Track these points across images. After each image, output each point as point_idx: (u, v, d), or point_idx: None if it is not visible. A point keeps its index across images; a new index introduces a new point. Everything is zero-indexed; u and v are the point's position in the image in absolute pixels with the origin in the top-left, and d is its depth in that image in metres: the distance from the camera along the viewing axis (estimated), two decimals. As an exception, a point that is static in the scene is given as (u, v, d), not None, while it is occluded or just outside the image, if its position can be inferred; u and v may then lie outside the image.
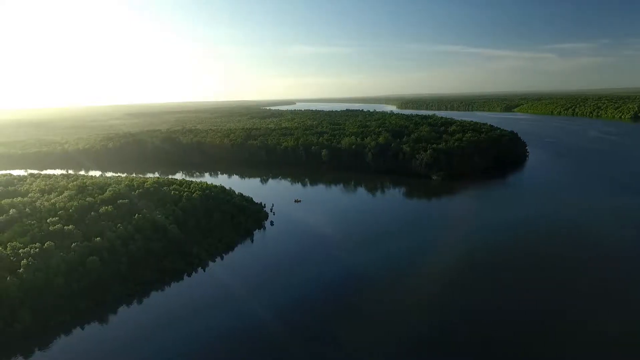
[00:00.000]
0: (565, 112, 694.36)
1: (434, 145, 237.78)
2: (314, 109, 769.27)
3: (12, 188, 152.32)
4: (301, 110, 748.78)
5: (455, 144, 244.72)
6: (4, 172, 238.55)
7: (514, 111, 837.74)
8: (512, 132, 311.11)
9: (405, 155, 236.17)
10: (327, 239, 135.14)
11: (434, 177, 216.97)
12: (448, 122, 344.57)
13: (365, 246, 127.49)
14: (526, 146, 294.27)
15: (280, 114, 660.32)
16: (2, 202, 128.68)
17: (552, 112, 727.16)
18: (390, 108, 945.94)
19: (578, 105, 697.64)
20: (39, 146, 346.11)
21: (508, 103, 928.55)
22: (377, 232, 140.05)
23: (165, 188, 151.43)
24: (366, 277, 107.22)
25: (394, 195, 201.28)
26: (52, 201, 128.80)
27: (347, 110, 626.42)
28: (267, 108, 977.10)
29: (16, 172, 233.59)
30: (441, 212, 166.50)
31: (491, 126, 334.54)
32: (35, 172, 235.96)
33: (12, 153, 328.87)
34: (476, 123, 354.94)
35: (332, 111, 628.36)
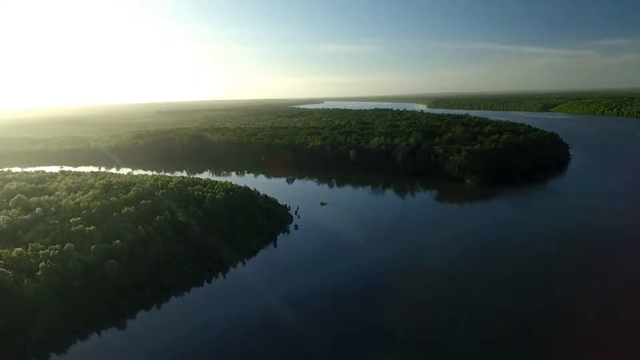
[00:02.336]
0: (609, 112, 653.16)
1: (469, 147, 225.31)
2: (342, 107, 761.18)
3: (42, 185, 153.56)
4: (329, 109, 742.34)
5: (492, 145, 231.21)
6: (37, 168, 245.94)
7: (551, 111, 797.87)
8: (552, 133, 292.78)
9: (438, 156, 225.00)
10: (354, 246, 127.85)
11: (468, 181, 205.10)
12: (483, 122, 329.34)
13: (395, 256, 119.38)
14: (568, 149, 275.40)
15: (308, 112, 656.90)
16: (30, 200, 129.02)
17: (594, 112, 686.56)
18: (420, 107, 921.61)
19: (624, 105, 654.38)
20: (73, 143, 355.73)
21: (545, 102, 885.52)
22: (407, 240, 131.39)
23: (189, 188, 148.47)
24: (397, 291, 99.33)
25: (425, 199, 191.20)
26: (77, 200, 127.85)
27: (376, 109, 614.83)
28: (295, 107, 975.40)
29: (50, 169, 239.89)
30: (477, 220, 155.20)
31: (529, 127, 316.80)
32: (68, 169, 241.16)
33: (49, 149, 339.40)
34: (513, 123, 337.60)
35: (360, 110, 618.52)
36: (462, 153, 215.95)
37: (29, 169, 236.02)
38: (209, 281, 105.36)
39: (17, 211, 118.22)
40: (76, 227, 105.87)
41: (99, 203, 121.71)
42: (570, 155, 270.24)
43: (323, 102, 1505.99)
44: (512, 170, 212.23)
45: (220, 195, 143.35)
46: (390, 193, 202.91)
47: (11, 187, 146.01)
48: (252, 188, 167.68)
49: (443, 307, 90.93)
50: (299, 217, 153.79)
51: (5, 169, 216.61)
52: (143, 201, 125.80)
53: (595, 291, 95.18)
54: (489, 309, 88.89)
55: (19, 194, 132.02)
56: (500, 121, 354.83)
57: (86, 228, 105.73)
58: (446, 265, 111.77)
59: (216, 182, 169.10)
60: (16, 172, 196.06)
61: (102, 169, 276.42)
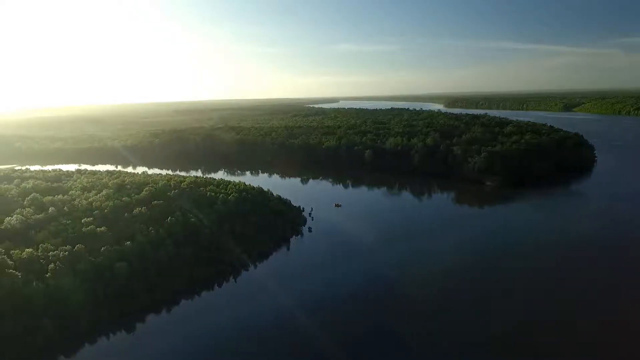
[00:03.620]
0: (636, 112, 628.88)
1: (489, 148, 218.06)
2: (357, 107, 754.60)
3: (57, 184, 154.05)
4: (344, 108, 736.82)
5: (513, 146, 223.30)
6: (56, 166, 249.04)
7: (574, 110, 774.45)
8: (576, 133, 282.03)
9: (456, 157, 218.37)
10: (369, 250, 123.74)
11: (488, 183, 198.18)
12: (503, 122, 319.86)
13: (412, 261, 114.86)
14: (594, 150, 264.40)
15: (323, 112, 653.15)
16: (44, 199, 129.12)
17: (619, 111, 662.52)
18: (437, 106, 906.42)
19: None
20: (91, 142, 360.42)
21: (567, 102, 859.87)
22: (424, 245, 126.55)
23: (201, 188, 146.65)
24: (413, 297, 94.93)
25: (443, 202, 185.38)
26: (89, 200, 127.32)
27: (392, 109, 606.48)
28: (310, 106, 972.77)
29: (68, 167, 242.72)
30: (497, 225, 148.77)
31: (552, 127, 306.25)
32: (84, 167, 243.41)
33: (67, 148, 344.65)
34: (534, 123, 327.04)
35: (376, 110, 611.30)
36: (482, 154, 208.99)
37: (48, 167, 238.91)
38: (219, 285, 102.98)
39: (31, 210, 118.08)
40: (87, 228, 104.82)
41: (111, 203, 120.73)
42: (596, 157, 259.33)
43: (338, 102, 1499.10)
44: (535, 172, 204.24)
45: (233, 196, 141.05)
46: (406, 195, 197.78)
47: (27, 186, 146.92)
48: (265, 188, 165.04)
49: (461, 313, 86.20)
50: (312, 219, 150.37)
51: (24, 167, 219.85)
52: (155, 202, 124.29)
53: (623, 303, 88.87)
54: (508, 316, 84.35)
55: (34, 193, 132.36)
56: (521, 121, 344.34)
57: (97, 229, 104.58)
58: (464, 270, 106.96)
59: (229, 182, 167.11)
60: (34, 171, 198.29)
61: (119, 168, 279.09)
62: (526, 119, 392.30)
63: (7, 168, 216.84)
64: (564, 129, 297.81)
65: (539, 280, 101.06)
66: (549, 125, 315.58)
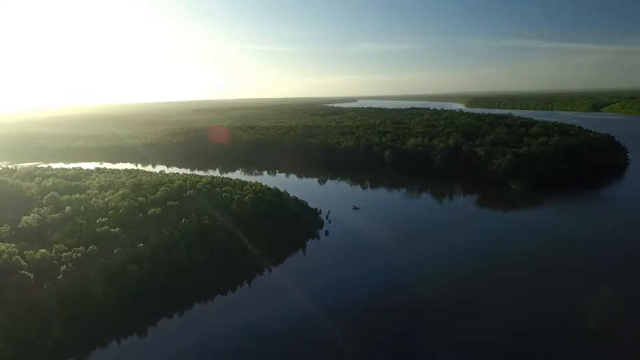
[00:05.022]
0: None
1: (514, 150, 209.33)
2: (376, 106, 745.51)
3: (76, 183, 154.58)
4: (363, 107, 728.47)
5: (540, 148, 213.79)
6: (77, 164, 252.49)
7: (602, 111, 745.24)
8: (607, 135, 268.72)
9: (479, 159, 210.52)
10: (387, 256, 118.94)
11: (514, 187, 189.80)
12: (528, 123, 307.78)
13: (433, 268, 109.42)
14: (626, 152, 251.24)
15: (341, 111, 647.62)
16: (62, 197, 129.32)
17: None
18: (458, 106, 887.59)
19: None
20: (112, 140, 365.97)
21: (595, 101, 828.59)
22: (446, 251, 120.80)
23: (217, 189, 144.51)
24: (433, 305, 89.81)
25: (466, 205, 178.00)
26: (106, 199, 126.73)
27: (412, 109, 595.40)
28: (329, 105, 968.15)
29: (89, 165, 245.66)
30: (524, 231, 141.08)
31: (580, 128, 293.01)
32: (104, 166, 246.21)
33: (89, 146, 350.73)
34: (562, 124, 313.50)
35: (395, 109, 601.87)
36: (507, 156, 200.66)
37: (70, 165, 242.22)
38: (233, 289, 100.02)
39: (48, 209, 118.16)
40: (102, 229, 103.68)
41: (126, 203, 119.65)
42: (629, 160, 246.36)
43: (357, 101, 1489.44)
44: (563, 175, 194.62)
45: (248, 197, 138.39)
46: (427, 198, 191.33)
47: (47, 184, 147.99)
48: (282, 189, 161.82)
49: (486, 325, 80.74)
50: (329, 222, 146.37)
51: (46, 165, 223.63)
52: (170, 202, 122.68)
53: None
54: (532, 326, 78.56)
55: (53, 192, 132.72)
56: (547, 122, 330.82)
57: (111, 230, 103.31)
58: (488, 281, 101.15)
59: (245, 182, 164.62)
60: (55, 169, 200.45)
61: (139, 166, 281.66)
62: (552, 120, 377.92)
63: (31, 166, 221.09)
64: (593, 130, 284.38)
65: (566, 290, 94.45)
66: (577, 126, 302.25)
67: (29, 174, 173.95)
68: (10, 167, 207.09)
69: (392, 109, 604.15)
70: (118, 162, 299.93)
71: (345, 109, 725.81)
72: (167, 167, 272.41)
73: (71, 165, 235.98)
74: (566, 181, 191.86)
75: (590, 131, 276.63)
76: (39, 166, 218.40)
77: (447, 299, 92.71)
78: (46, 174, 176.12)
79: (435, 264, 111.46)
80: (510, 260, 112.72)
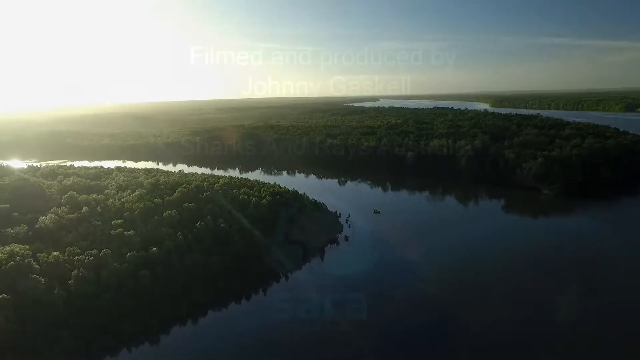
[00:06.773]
0: None
1: (545, 152, 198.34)
2: (398, 106, 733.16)
3: (95, 182, 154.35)
4: (385, 107, 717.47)
5: (574, 151, 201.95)
6: (100, 163, 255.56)
7: (638, 111, 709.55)
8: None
9: (508, 162, 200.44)
10: (411, 264, 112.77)
11: (545, 192, 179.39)
12: (559, 124, 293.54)
13: (458, 278, 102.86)
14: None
15: (362, 110, 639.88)
16: (80, 197, 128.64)
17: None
18: (483, 106, 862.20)
19: None
20: (136, 139, 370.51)
21: (631, 101, 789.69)
22: (474, 260, 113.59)
23: (234, 191, 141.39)
24: (458, 321, 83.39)
25: (494, 211, 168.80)
26: (122, 200, 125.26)
27: (435, 108, 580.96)
28: (350, 104, 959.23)
29: (111, 164, 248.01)
30: (561, 241, 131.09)
31: (617, 129, 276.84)
32: (127, 164, 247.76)
33: (113, 144, 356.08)
34: (596, 125, 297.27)
35: (418, 109, 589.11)
36: (538, 159, 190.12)
37: (93, 164, 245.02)
38: (247, 298, 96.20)
39: (65, 209, 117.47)
40: (116, 231, 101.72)
41: (141, 205, 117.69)
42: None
43: (379, 100, 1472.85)
44: (600, 180, 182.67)
45: (266, 199, 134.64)
46: (452, 202, 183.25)
47: (67, 183, 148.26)
48: (301, 191, 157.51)
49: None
50: (349, 227, 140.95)
51: (69, 163, 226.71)
52: (186, 204, 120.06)
53: None
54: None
55: (71, 191, 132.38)
56: (580, 123, 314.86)
57: (126, 232, 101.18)
58: (518, 301, 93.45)
59: (264, 184, 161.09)
60: (78, 167, 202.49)
61: (160, 165, 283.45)
62: (585, 120, 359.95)
63: (55, 164, 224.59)
64: (631, 132, 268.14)
65: (603, 303, 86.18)
66: (613, 127, 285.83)
67: (52, 173, 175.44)
68: (36, 164, 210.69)
69: (415, 109, 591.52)
70: (140, 161, 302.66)
71: (367, 108, 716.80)
72: (188, 165, 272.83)
73: (94, 164, 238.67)
74: (603, 187, 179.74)
75: (628, 133, 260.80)
76: (62, 164, 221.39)
77: (473, 315, 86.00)
78: (68, 172, 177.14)
79: (460, 274, 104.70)
80: (543, 273, 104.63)
